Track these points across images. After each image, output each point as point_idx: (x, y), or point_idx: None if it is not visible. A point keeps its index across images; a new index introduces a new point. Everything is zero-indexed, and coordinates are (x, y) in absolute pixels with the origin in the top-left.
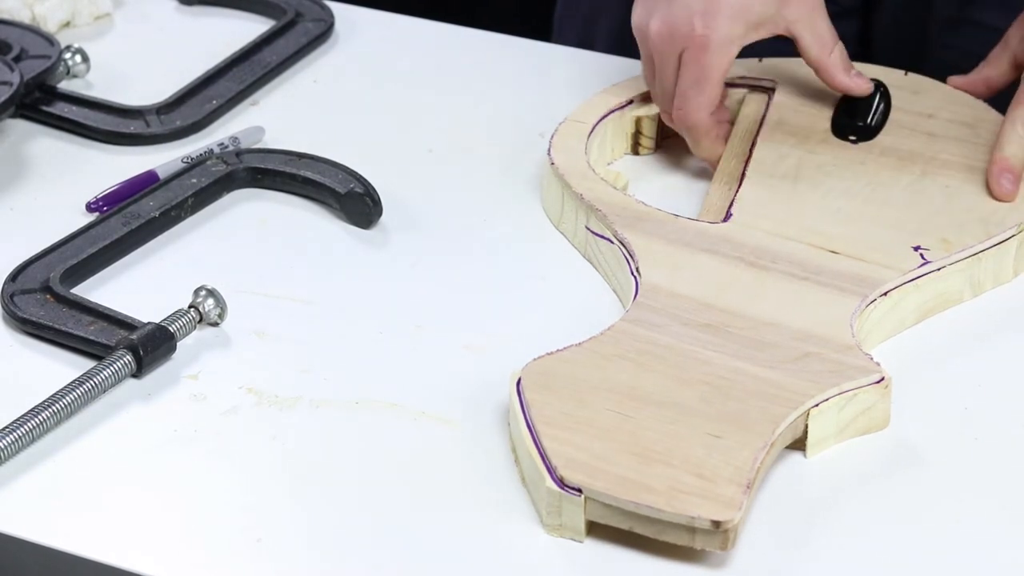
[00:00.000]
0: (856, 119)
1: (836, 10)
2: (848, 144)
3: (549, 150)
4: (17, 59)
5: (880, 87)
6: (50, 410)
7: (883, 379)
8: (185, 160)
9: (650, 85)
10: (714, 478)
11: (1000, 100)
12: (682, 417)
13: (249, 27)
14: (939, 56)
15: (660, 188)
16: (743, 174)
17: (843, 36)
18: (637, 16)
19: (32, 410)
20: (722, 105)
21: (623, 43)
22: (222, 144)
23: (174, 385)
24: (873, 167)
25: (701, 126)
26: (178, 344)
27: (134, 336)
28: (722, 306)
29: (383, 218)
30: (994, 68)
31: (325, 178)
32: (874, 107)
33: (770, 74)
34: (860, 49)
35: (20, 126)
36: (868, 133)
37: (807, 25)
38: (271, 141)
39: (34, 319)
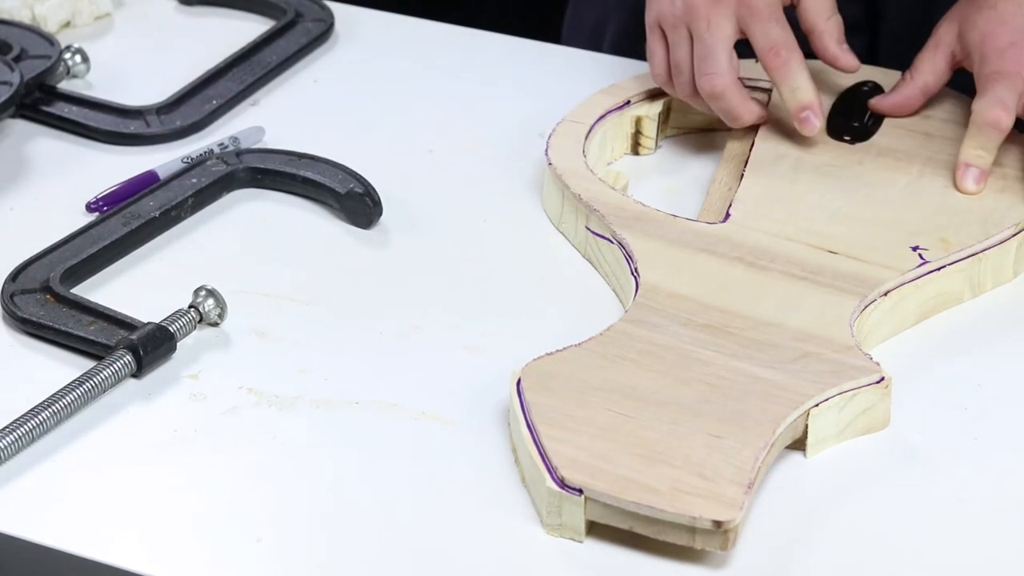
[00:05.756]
0: (851, 119)
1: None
2: (845, 145)
3: (546, 151)
4: (17, 59)
5: (875, 87)
6: (50, 410)
7: (883, 379)
8: (185, 160)
9: (674, 73)
10: (715, 478)
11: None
12: (682, 417)
13: (249, 27)
14: None
15: (660, 188)
16: (742, 175)
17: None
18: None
19: (32, 410)
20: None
21: (628, 47)
22: (222, 144)
23: (174, 385)
24: (871, 167)
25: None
26: (178, 344)
27: (134, 336)
28: (722, 306)
29: (383, 218)
30: (930, 73)
31: (325, 178)
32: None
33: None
34: (869, 61)
35: (20, 126)
36: (863, 134)
37: None
38: (271, 141)
39: (34, 319)
